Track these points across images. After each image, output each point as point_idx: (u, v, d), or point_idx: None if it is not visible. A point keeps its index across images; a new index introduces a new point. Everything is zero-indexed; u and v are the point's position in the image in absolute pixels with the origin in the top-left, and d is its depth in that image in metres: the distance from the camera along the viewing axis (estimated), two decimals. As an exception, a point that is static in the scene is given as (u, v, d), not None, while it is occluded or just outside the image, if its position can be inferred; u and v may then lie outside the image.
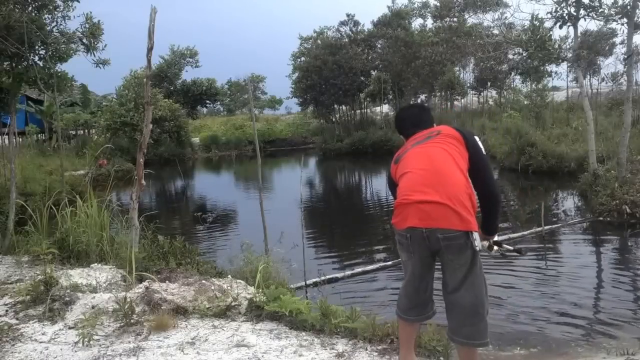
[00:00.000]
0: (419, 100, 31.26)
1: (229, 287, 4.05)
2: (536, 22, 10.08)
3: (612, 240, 8.10)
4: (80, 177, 12.78)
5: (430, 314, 2.63)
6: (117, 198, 11.24)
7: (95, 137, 25.10)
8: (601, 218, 8.74)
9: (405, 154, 2.63)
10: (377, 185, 16.57)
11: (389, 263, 6.67)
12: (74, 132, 25.35)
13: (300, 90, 29.01)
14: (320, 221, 11.25)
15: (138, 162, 5.03)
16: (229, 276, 4.51)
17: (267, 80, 53.55)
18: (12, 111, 6.87)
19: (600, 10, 9.46)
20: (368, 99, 29.91)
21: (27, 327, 3.52)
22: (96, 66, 6.75)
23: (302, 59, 30.05)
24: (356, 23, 29.29)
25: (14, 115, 6.96)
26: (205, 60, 59.28)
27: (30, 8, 6.27)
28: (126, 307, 3.47)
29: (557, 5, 9.77)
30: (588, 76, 23.72)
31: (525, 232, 7.96)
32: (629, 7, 9.16)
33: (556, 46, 10.91)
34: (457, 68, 28.68)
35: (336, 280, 6.15)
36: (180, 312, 3.67)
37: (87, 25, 6.46)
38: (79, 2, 6.45)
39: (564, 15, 9.77)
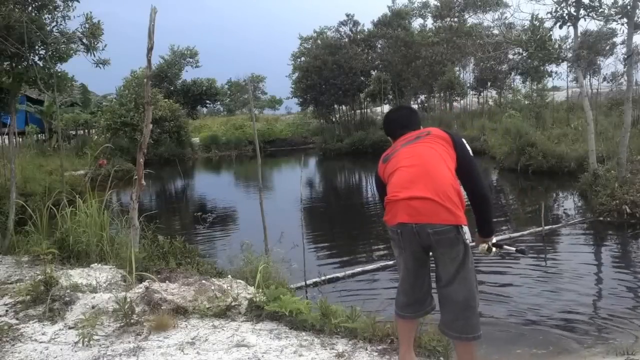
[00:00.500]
0: (419, 101, 31.30)
1: (229, 287, 4.05)
2: (536, 22, 10.07)
3: (612, 240, 8.11)
4: (80, 177, 12.76)
5: (429, 309, 2.65)
6: (117, 198, 11.23)
7: (95, 137, 25.12)
8: (601, 218, 8.74)
9: (395, 153, 2.68)
10: (377, 185, 16.54)
11: (390, 262, 6.63)
12: (73, 132, 25.35)
13: (300, 90, 29.05)
14: (320, 221, 11.25)
15: (138, 162, 5.03)
16: (229, 276, 4.50)
17: (267, 80, 53.84)
18: (12, 111, 6.87)
19: (600, 10, 9.46)
20: (368, 99, 29.94)
21: (27, 327, 3.52)
22: (96, 66, 6.74)
23: (302, 59, 30.09)
24: (356, 23, 29.34)
25: (14, 115, 6.96)
26: (205, 60, 59.33)
27: (30, 8, 6.26)
28: (126, 307, 3.47)
29: (557, 5, 9.78)
30: (588, 76, 23.70)
31: (525, 232, 7.97)
32: (629, 7, 9.16)
33: (556, 46, 10.90)
34: (457, 68, 28.69)
35: (336, 279, 6.15)
36: (180, 312, 3.67)
37: (87, 25, 6.44)
38: (79, 2, 6.45)
39: (564, 15, 9.78)
